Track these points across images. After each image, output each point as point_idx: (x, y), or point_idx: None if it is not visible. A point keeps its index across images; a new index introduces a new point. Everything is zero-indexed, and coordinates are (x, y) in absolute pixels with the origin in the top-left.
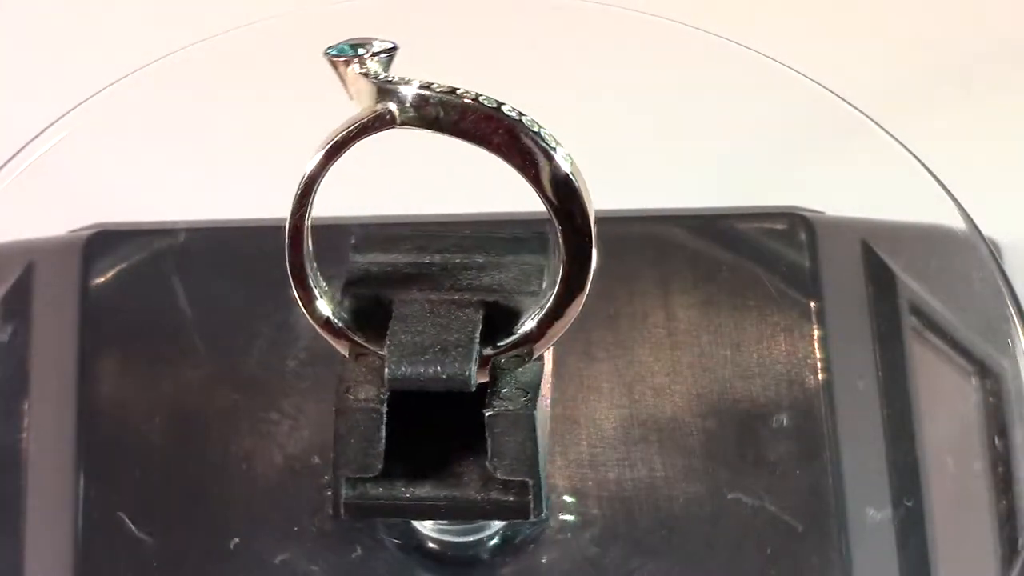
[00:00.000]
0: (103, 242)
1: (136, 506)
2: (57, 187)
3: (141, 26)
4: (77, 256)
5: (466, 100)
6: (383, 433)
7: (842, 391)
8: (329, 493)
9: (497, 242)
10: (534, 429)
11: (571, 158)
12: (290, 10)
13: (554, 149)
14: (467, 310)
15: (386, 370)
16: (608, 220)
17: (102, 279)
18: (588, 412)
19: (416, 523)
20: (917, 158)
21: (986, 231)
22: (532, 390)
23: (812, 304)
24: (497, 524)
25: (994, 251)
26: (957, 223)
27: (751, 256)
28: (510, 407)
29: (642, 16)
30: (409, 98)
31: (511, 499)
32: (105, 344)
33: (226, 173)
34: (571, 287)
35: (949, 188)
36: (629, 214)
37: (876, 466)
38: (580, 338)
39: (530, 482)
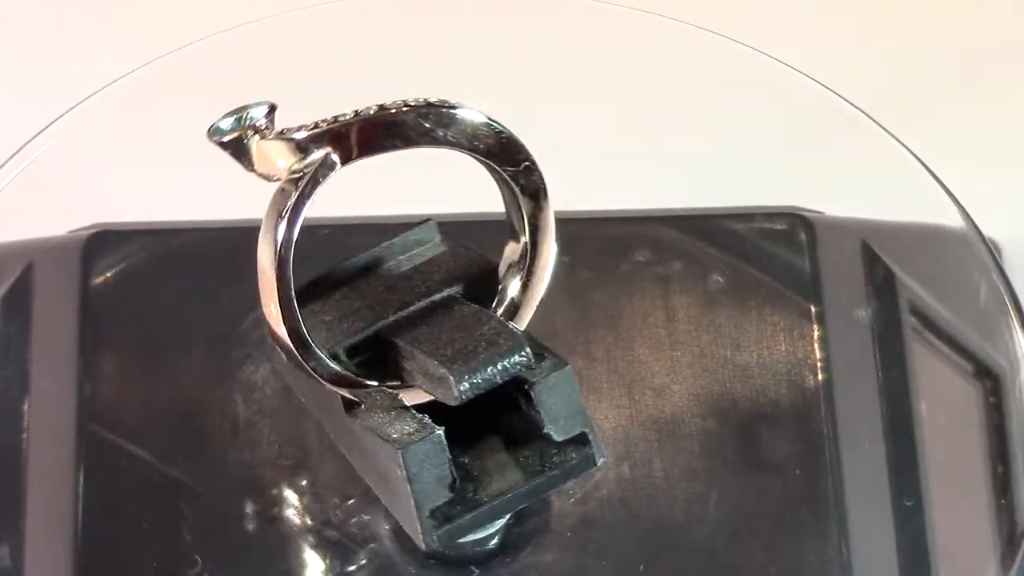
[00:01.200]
0: (103, 242)
1: (136, 506)
2: (57, 187)
3: (141, 25)
4: (77, 256)
5: (360, 115)
6: (448, 454)
7: (842, 391)
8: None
9: (398, 243)
10: (574, 380)
11: (483, 111)
12: (290, 9)
13: (454, 108)
14: (460, 304)
15: (457, 388)
16: (608, 220)
17: (102, 279)
18: (588, 412)
19: None
20: (917, 158)
21: (986, 231)
22: (542, 348)
23: (812, 304)
24: (497, 524)
25: (994, 251)
26: (957, 223)
27: (751, 256)
28: (548, 371)
29: (642, 14)
30: (330, 137)
31: (574, 457)
32: (105, 344)
33: (225, 173)
34: (537, 226)
35: (949, 188)
36: (629, 214)
37: (876, 466)
38: (580, 338)
39: (587, 432)
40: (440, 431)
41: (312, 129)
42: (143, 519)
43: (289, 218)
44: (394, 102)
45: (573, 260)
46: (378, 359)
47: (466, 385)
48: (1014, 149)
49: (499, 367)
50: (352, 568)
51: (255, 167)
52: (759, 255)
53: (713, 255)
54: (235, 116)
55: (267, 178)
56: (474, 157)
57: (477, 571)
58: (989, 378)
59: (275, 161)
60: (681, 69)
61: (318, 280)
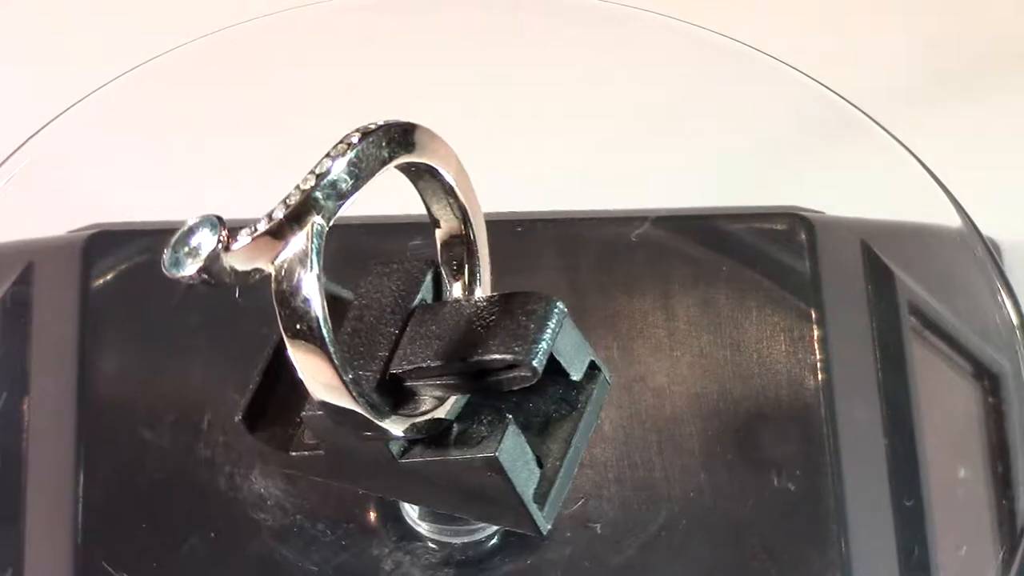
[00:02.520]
0: (103, 242)
1: (136, 506)
2: (57, 187)
3: (141, 24)
4: (77, 256)
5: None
6: (522, 435)
7: (842, 391)
8: None
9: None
10: (565, 312)
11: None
12: (290, 7)
13: (352, 143)
14: (447, 307)
15: (532, 364)
16: (608, 220)
17: (102, 279)
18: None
19: (416, 525)
20: (917, 158)
21: (986, 231)
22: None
23: (812, 304)
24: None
25: (994, 251)
26: (957, 223)
27: (751, 256)
28: (542, 319)
29: (641, 14)
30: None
31: (593, 387)
32: (105, 344)
33: (226, 173)
34: (462, 199)
35: (949, 188)
36: (629, 214)
37: (876, 466)
38: None
39: (595, 359)
40: (510, 417)
41: (282, 211)
42: (143, 519)
43: (312, 297)
44: (316, 166)
45: (573, 260)
46: (394, 396)
47: (540, 357)
48: (1014, 149)
49: (552, 325)
50: (350, 564)
51: (236, 278)
52: (759, 255)
53: (713, 255)
54: (184, 250)
55: (252, 276)
56: (401, 170)
57: (477, 571)
58: (989, 378)
59: (256, 259)
60: (681, 69)
61: (276, 352)
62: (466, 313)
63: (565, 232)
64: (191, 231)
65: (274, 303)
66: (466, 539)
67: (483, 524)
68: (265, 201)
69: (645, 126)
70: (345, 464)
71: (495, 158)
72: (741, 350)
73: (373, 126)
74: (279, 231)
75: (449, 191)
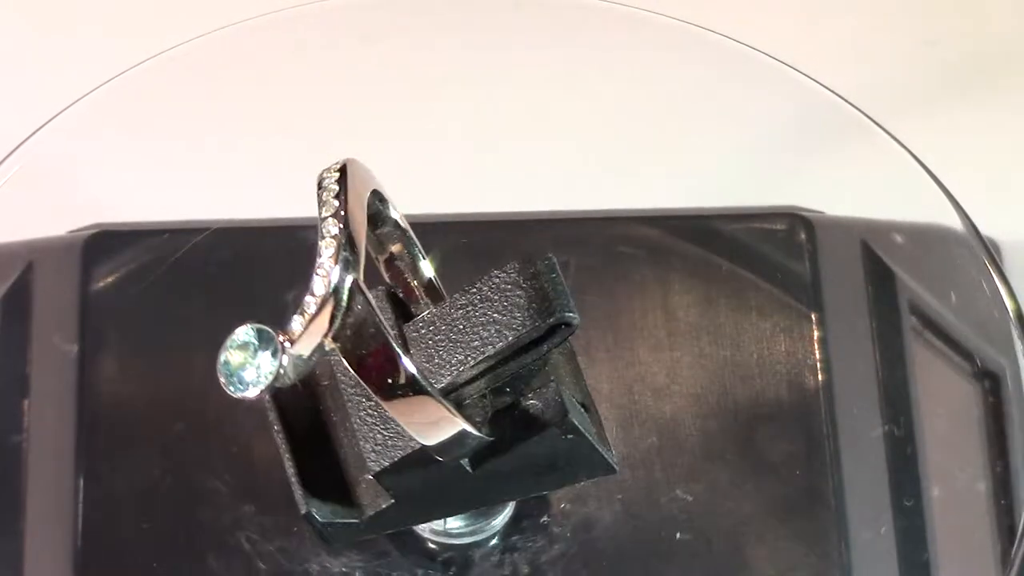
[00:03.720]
0: (103, 242)
1: (136, 506)
2: (57, 187)
3: (140, 23)
4: (77, 256)
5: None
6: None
7: (842, 391)
8: None
9: None
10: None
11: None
12: (289, 7)
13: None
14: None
15: (570, 314)
16: (608, 220)
17: (102, 279)
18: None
19: (420, 529)
20: (916, 158)
21: (985, 231)
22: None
23: (812, 304)
24: (497, 525)
25: (993, 251)
26: (956, 223)
27: (751, 256)
28: (548, 274)
29: (641, 14)
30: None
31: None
32: (105, 344)
33: (226, 173)
34: (401, 221)
35: (948, 188)
36: (629, 214)
37: (876, 465)
38: (580, 338)
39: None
40: (553, 380)
41: (318, 291)
42: (143, 519)
43: (397, 353)
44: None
45: (573, 260)
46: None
47: (572, 308)
48: (1013, 149)
49: (558, 275)
50: (355, 569)
51: (304, 366)
52: (759, 255)
53: (713, 255)
54: (250, 376)
55: (313, 358)
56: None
57: (477, 571)
58: (989, 378)
59: (315, 341)
60: (681, 69)
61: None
62: (463, 309)
63: (565, 232)
64: (246, 361)
65: (353, 371)
66: (465, 539)
67: (484, 524)
68: (265, 201)
69: (645, 126)
70: (417, 503)
71: (495, 158)
72: (741, 350)
73: (336, 204)
74: (324, 306)
75: (391, 219)
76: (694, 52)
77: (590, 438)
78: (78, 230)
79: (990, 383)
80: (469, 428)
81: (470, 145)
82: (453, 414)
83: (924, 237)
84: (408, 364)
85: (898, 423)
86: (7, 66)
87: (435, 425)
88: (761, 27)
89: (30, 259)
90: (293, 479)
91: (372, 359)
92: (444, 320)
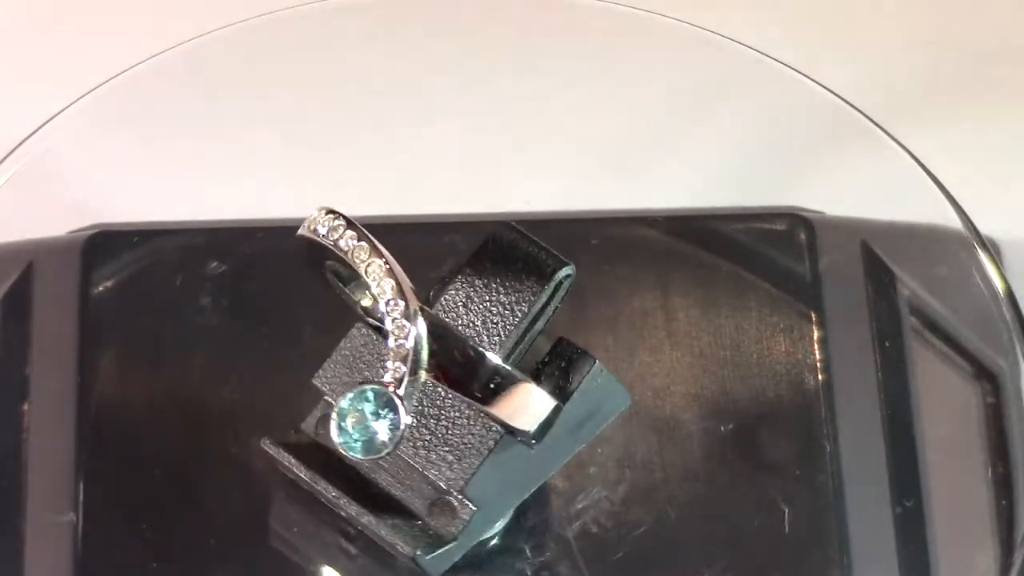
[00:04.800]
0: (103, 242)
1: (136, 506)
2: (57, 187)
3: (140, 22)
4: (77, 256)
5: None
6: None
7: (842, 391)
8: None
9: None
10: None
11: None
12: (289, 7)
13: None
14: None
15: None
16: (608, 220)
17: (102, 279)
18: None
19: None
20: (916, 159)
21: (985, 231)
22: None
23: (812, 304)
24: (498, 527)
25: (993, 251)
26: (957, 223)
27: (751, 256)
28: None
29: (642, 14)
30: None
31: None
32: (105, 344)
33: (226, 173)
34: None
35: (948, 189)
36: (629, 214)
37: (876, 466)
38: (580, 338)
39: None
40: (560, 337)
41: (408, 344)
42: (143, 519)
43: (488, 355)
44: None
45: (573, 260)
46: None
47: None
48: (1013, 150)
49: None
50: (355, 570)
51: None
52: (759, 255)
53: (713, 255)
54: (379, 428)
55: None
56: None
57: (477, 571)
58: (989, 378)
59: (418, 378)
60: (681, 69)
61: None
62: (465, 306)
63: (565, 232)
64: (366, 424)
65: (445, 389)
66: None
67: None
68: (265, 200)
69: (645, 127)
70: (493, 503)
71: (495, 158)
72: (741, 350)
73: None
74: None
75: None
76: (694, 53)
77: (616, 379)
78: (78, 230)
79: (990, 383)
80: (557, 401)
81: (470, 145)
82: (542, 390)
83: (924, 237)
84: (493, 357)
85: (898, 423)
86: (7, 66)
87: (533, 408)
88: (761, 28)
89: (30, 259)
90: (382, 530)
91: (460, 369)
92: (454, 318)
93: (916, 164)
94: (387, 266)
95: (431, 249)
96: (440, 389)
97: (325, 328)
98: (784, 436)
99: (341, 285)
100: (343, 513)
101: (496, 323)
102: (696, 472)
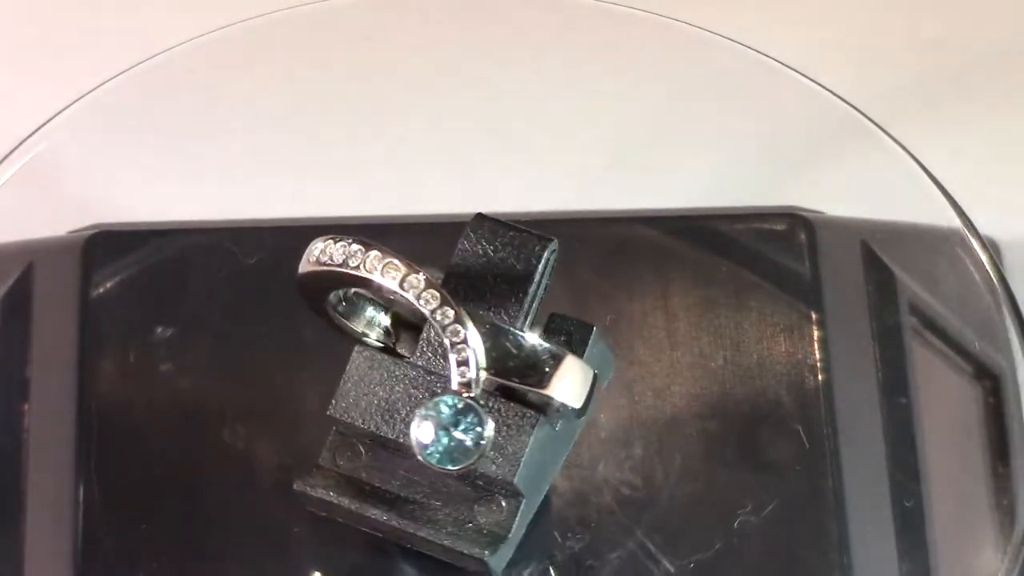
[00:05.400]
0: (103, 242)
1: (136, 506)
2: (57, 187)
3: (140, 22)
4: (77, 256)
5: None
6: None
7: (842, 391)
8: None
9: None
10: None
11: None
12: (289, 7)
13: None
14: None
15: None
16: (608, 220)
17: (102, 279)
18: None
19: None
20: (915, 159)
21: (986, 231)
22: None
23: (812, 304)
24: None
25: (992, 251)
26: (956, 224)
27: (751, 256)
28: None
29: (642, 15)
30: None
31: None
32: (105, 344)
33: (226, 173)
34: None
35: (948, 189)
36: (629, 214)
37: (876, 465)
38: None
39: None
40: (552, 314)
41: (473, 362)
42: (143, 519)
43: (520, 334)
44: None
45: (573, 260)
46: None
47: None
48: (1013, 150)
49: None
50: (350, 564)
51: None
52: (759, 255)
53: (713, 255)
54: (465, 437)
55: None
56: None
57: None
58: (989, 378)
59: (484, 378)
60: (681, 70)
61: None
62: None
63: (565, 232)
64: (449, 434)
65: (504, 382)
66: None
67: None
68: (265, 201)
69: (645, 127)
70: (533, 488)
71: (495, 159)
72: (741, 350)
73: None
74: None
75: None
76: (694, 53)
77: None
78: (78, 230)
79: (990, 383)
80: (594, 370)
81: (470, 145)
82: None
83: (924, 237)
84: (539, 339)
85: (898, 423)
86: (7, 65)
87: (580, 380)
88: (761, 27)
89: (30, 259)
90: (445, 540)
91: (513, 360)
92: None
93: (916, 164)
94: (423, 276)
95: (431, 249)
96: None
97: (326, 328)
98: (784, 436)
99: (340, 316)
100: (396, 536)
101: (505, 308)
102: (696, 472)
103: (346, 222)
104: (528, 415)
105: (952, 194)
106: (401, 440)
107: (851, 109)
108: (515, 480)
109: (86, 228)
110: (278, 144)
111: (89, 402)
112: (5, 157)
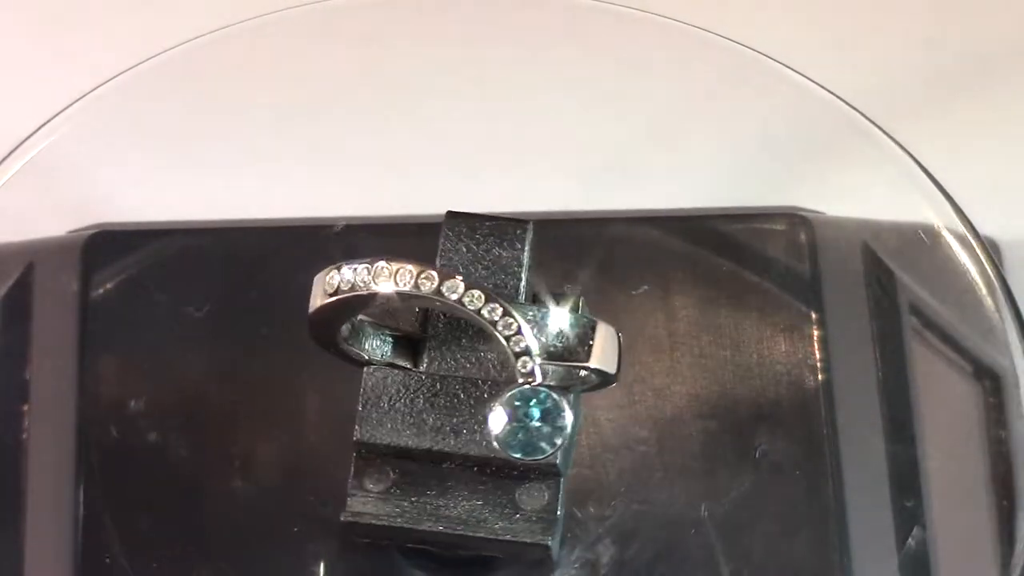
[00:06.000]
0: (103, 242)
1: (136, 506)
2: (57, 187)
3: (141, 22)
4: (77, 256)
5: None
6: None
7: (842, 391)
8: None
9: None
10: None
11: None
12: (288, 7)
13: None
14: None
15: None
16: (609, 220)
17: (102, 279)
18: (588, 412)
19: None
20: (915, 160)
21: (985, 231)
22: None
23: (812, 304)
24: None
25: (993, 251)
26: (955, 224)
27: (751, 256)
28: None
29: (642, 16)
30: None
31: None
32: (105, 344)
33: (225, 173)
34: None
35: (947, 188)
36: (629, 214)
37: (876, 466)
38: None
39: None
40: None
41: (534, 348)
42: (143, 519)
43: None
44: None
45: (573, 260)
46: None
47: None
48: (1013, 150)
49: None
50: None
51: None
52: (759, 255)
53: (713, 255)
54: (546, 424)
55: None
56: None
57: (478, 571)
58: (989, 378)
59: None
60: (681, 70)
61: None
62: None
63: (565, 232)
64: (527, 424)
65: (556, 360)
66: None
67: None
68: (265, 201)
69: (645, 127)
70: (567, 462)
71: (495, 159)
72: (741, 350)
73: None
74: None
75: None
76: (694, 53)
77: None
78: (78, 230)
79: (990, 383)
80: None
81: (470, 145)
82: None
83: (924, 237)
84: (570, 315)
85: (898, 423)
86: (7, 66)
87: (613, 346)
88: (761, 28)
89: (30, 259)
90: (507, 535)
91: (559, 339)
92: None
93: (915, 165)
94: (460, 278)
95: (431, 249)
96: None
97: None
98: (784, 436)
99: (349, 344)
100: (451, 543)
101: (503, 296)
102: (696, 472)
103: (346, 222)
104: (558, 393)
105: (952, 194)
106: (435, 448)
107: (850, 109)
108: (559, 461)
109: (86, 228)
110: (278, 144)
111: (89, 402)
112: (5, 157)
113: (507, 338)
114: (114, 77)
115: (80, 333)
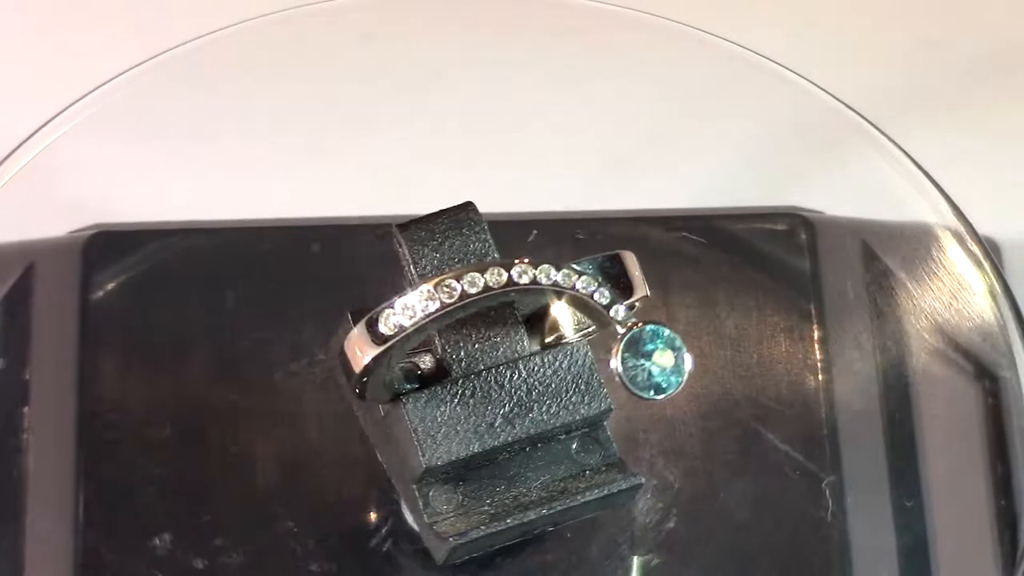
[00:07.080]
0: (103, 242)
1: (136, 507)
2: (57, 187)
3: (141, 22)
4: (77, 256)
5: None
6: None
7: (842, 391)
8: None
9: None
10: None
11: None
12: (288, 7)
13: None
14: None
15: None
16: (609, 220)
17: (102, 280)
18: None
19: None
20: (914, 160)
21: (985, 231)
22: None
23: (812, 304)
24: None
25: (993, 251)
26: (955, 224)
27: (751, 256)
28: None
29: (642, 16)
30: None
31: None
32: (105, 344)
33: (225, 173)
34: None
35: (947, 189)
36: (630, 214)
37: (876, 467)
38: None
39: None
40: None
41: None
42: (143, 519)
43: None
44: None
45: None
46: None
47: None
48: (1012, 151)
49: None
50: (351, 564)
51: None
52: (759, 255)
53: (714, 255)
54: (660, 363)
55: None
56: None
57: (478, 571)
58: (989, 378)
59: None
60: (681, 71)
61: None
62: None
63: (566, 232)
64: (649, 359)
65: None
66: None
67: None
68: (265, 200)
69: (646, 127)
70: None
71: (495, 158)
72: (741, 350)
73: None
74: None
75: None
76: (694, 54)
77: None
78: (78, 230)
79: (990, 383)
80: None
81: (470, 145)
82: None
83: (924, 237)
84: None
85: (898, 423)
86: (7, 66)
87: (639, 267)
88: (760, 29)
89: (30, 259)
90: (593, 495)
91: (610, 282)
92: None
93: (915, 165)
94: (527, 261)
95: None
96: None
97: (326, 328)
98: (784, 436)
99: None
100: (545, 524)
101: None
102: (696, 472)
103: (346, 222)
104: (581, 349)
105: (952, 194)
106: (500, 444)
107: (849, 111)
108: (613, 407)
109: (86, 228)
110: (278, 144)
111: (89, 402)
112: (5, 157)
113: (590, 295)
114: (114, 77)
115: (80, 333)
